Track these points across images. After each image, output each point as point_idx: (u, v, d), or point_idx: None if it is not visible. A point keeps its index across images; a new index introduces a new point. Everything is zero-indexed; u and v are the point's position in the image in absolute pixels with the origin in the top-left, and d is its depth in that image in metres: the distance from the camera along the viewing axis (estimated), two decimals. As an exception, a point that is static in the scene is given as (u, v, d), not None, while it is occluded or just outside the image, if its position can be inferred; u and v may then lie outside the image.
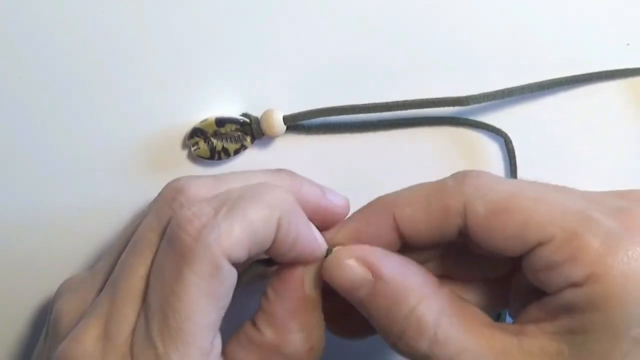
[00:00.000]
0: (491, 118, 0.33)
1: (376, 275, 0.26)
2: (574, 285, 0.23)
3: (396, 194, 0.27)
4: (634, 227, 0.23)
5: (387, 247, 0.27)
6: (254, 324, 0.27)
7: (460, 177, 0.26)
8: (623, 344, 0.22)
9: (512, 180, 0.26)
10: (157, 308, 0.24)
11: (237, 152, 0.31)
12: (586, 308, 0.23)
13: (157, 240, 0.25)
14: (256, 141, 0.31)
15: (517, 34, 0.33)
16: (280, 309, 0.27)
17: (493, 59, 0.33)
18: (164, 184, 0.30)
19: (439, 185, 0.26)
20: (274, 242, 0.25)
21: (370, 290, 0.26)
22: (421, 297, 0.25)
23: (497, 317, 0.33)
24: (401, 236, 0.26)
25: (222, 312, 0.25)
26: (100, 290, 0.27)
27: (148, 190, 0.31)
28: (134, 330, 0.24)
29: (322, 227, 0.28)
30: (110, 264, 0.27)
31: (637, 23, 0.34)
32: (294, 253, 0.26)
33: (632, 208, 0.24)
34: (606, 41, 0.33)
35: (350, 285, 0.26)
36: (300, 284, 0.27)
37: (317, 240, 0.27)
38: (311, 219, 0.27)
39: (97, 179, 0.31)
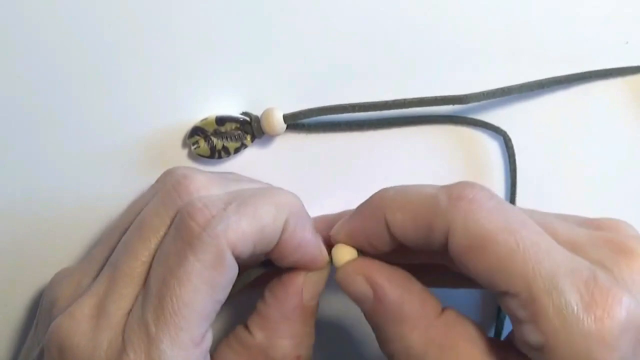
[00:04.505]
0: (491, 116, 0.33)
1: (377, 296, 0.26)
2: (532, 347, 0.23)
3: (392, 193, 0.27)
4: (596, 304, 0.22)
5: (383, 246, 0.27)
6: (246, 326, 0.28)
7: (454, 196, 0.25)
8: None
9: (505, 211, 0.24)
10: (156, 291, 0.24)
11: (237, 150, 0.31)
12: None
13: (163, 226, 0.26)
14: (256, 140, 0.31)
15: (516, 32, 0.33)
16: (275, 313, 0.27)
17: (492, 58, 0.33)
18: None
19: (431, 198, 0.25)
20: (279, 242, 0.26)
21: (371, 306, 0.26)
22: (414, 327, 0.26)
23: (497, 318, 0.33)
24: (393, 237, 0.26)
25: (217, 306, 0.25)
26: (97, 274, 0.27)
27: (148, 189, 0.31)
28: (130, 312, 0.25)
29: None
30: (109, 248, 0.27)
31: (635, 21, 0.34)
32: (295, 257, 0.27)
33: (604, 280, 0.23)
34: (605, 39, 0.33)
35: (355, 297, 0.27)
36: (300, 291, 0.28)
37: (320, 249, 0.28)
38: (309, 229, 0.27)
39: (97, 177, 0.31)
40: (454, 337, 0.25)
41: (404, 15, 0.32)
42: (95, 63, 0.30)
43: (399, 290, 0.26)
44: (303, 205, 0.27)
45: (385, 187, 0.27)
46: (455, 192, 0.25)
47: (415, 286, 0.26)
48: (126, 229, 0.27)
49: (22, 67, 0.30)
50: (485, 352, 0.25)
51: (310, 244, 0.27)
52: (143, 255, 0.25)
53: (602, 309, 0.22)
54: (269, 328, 0.27)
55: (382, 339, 0.26)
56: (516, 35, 0.33)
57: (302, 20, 0.31)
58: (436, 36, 0.32)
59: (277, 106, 0.31)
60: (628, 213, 0.28)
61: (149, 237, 0.26)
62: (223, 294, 0.25)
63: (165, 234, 0.25)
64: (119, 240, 0.27)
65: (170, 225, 0.25)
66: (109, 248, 0.27)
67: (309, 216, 0.27)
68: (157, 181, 0.29)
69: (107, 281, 0.26)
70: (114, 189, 0.31)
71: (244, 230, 0.24)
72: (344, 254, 0.27)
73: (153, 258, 0.25)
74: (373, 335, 0.27)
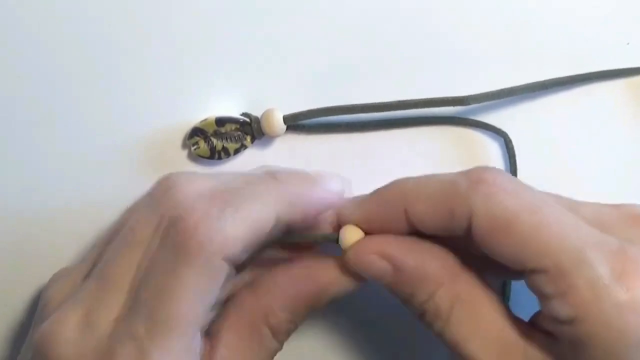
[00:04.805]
0: (491, 118, 0.33)
1: (396, 266, 0.26)
2: (561, 322, 0.23)
3: (410, 183, 0.27)
4: (626, 275, 0.22)
5: (398, 230, 0.27)
6: (251, 290, 0.28)
7: (474, 180, 0.25)
8: None
9: (526, 192, 0.25)
10: (145, 300, 0.24)
11: (237, 151, 0.31)
12: (572, 346, 0.23)
13: (151, 234, 0.26)
14: (256, 141, 0.31)
15: (517, 33, 0.33)
16: (290, 289, 0.27)
17: (494, 59, 0.33)
18: (163, 184, 0.31)
19: (451, 185, 0.25)
20: (285, 226, 0.26)
21: (391, 278, 0.26)
22: (439, 284, 0.26)
23: (503, 288, 0.33)
24: (411, 225, 0.27)
25: (209, 309, 0.25)
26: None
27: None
28: (115, 320, 0.25)
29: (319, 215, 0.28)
30: (100, 252, 0.27)
31: (636, 22, 0.34)
32: (308, 222, 0.28)
33: (633, 252, 0.23)
34: (606, 40, 0.33)
35: (373, 277, 0.27)
36: (321, 283, 0.28)
37: (328, 198, 0.28)
38: (305, 216, 0.28)
39: (96, 178, 0.31)
40: (477, 296, 0.26)
41: (405, 16, 0.32)
42: (95, 63, 0.30)
43: (417, 254, 0.26)
44: (289, 193, 0.27)
45: (403, 177, 0.27)
46: (475, 175, 0.25)
47: (430, 245, 0.27)
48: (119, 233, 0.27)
49: (22, 67, 0.30)
50: (509, 323, 0.25)
51: (314, 210, 0.27)
52: (130, 262, 0.25)
53: (634, 279, 0.22)
54: (274, 296, 0.27)
55: (410, 303, 0.26)
56: (517, 37, 0.33)
57: (302, 21, 0.31)
58: (437, 37, 0.32)
59: (277, 107, 0.31)
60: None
61: (136, 244, 0.26)
62: (214, 298, 0.25)
63: (154, 242, 0.25)
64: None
65: (159, 233, 0.25)
66: (101, 251, 0.28)
67: (297, 194, 0.27)
68: (152, 187, 0.29)
69: (94, 289, 0.25)
70: (114, 189, 0.31)
71: (236, 235, 0.24)
72: (353, 235, 0.27)
73: (142, 267, 0.25)
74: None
